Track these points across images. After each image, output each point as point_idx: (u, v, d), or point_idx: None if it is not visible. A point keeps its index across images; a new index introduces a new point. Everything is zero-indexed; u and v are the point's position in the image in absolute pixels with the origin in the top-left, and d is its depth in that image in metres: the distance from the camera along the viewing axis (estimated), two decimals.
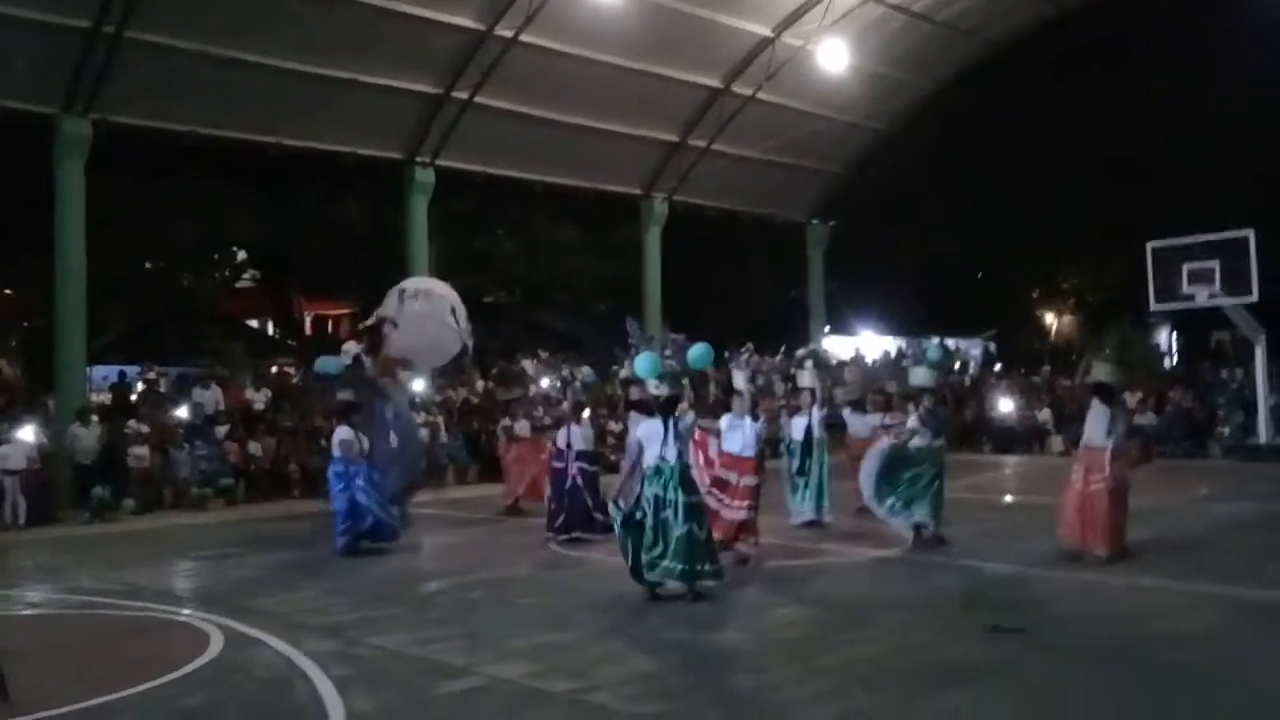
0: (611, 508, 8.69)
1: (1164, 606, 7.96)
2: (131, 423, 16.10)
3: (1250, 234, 18.76)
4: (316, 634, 7.51)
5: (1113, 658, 6.54)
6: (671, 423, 8.46)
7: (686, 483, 8.41)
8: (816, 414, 12.58)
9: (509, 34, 19.40)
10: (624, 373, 14.21)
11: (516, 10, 19.02)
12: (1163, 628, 7.25)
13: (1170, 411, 21.33)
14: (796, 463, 12.37)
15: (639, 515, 8.35)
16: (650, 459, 8.43)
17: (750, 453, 10.22)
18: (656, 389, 8.81)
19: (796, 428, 12.55)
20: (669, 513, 8.24)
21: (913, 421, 10.80)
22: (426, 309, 13.50)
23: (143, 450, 15.63)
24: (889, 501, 10.55)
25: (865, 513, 11.33)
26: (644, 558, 8.29)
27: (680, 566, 8.16)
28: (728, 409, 10.94)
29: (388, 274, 22.96)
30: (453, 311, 13.67)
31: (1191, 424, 21.08)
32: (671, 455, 8.38)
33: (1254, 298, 18.77)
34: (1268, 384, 19.53)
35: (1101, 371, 9.83)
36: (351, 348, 13.48)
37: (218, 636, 7.45)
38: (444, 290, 14.22)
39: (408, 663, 6.77)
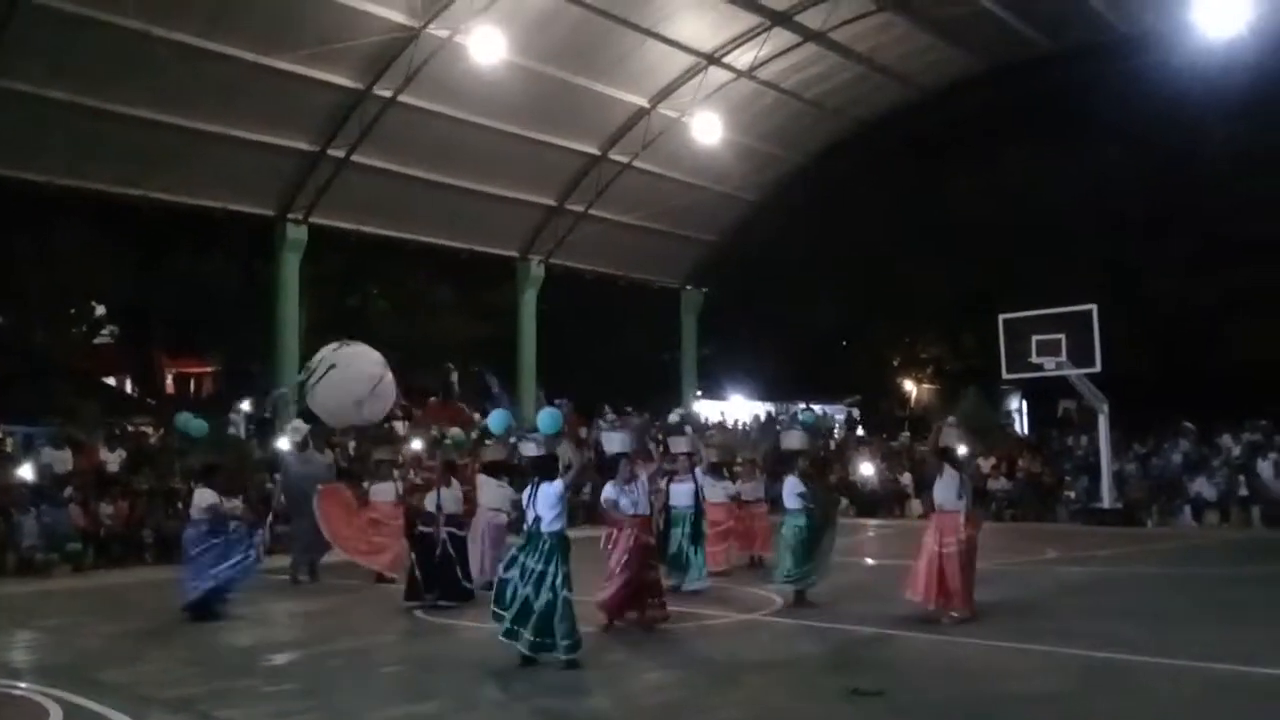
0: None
1: (1016, 667, 8.23)
2: None
3: (1094, 308, 19.93)
4: (164, 707, 7.19)
5: (968, 718, 6.75)
6: (538, 486, 8.38)
7: (548, 550, 8.23)
8: (702, 477, 12.54)
9: (388, 94, 19.41)
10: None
11: (395, 70, 19.07)
12: (1015, 688, 7.48)
13: (1020, 477, 22.38)
14: (688, 529, 11.95)
15: (510, 577, 8.29)
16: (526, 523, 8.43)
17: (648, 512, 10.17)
18: (530, 451, 8.75)
19: (682, 494, 12.13)
20: (530, 580, 8.18)
21: (796, 486, 11.00)
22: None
23: None
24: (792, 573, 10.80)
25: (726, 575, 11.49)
26: (503, 621, 8.23)
27: (531, 637, 8.04)
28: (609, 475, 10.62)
29: (256, 332, 22.49)
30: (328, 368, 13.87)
31: (1040, 488, 22.13)
32: (530, 518, 8.34)
33: (1097, 368, 19.89)
34: (1110, 450, 20.65)
35: (951, 437, 10.26)
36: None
37: (57, 712, 7.06)
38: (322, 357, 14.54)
39: None
